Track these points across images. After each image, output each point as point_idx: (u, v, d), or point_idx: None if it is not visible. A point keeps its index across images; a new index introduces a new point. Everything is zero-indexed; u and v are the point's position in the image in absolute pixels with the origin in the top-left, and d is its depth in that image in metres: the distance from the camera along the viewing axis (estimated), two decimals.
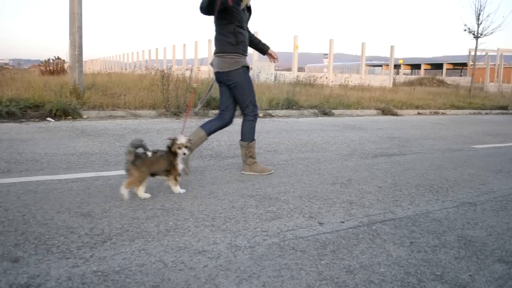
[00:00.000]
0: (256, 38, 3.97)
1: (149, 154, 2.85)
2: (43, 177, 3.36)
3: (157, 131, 5.98)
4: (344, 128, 7.29)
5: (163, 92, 7.95)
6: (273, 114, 8.77)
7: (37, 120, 6.52)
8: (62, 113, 6.75)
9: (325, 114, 9.50)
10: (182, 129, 3.45)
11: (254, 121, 3.80)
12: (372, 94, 12.73)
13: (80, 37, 7.93)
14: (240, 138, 3.84)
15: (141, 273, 1.86)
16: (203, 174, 3.67)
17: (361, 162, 4.52)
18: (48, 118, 6.59)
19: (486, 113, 12.74)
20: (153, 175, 2.95)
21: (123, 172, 3.60)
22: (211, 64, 3.71)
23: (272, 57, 4.02)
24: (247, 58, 3.71)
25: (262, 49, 3.97)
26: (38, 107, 6.84)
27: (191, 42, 26.95)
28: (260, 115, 8.50)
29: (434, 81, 27.34)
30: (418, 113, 11.30)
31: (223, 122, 3.78)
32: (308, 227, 2.51)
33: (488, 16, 23.17)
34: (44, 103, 6.88)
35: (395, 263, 2.07)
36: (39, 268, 1.86)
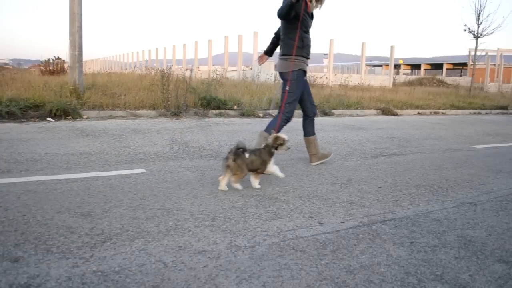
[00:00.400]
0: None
1: (247, 155, 3.18)
2: (43, 177, 3.36)
3: (157, 131, 5.98)
4: (344, 128, 7.29)
5: (163, 92, 7.95)
6: (273, 114, 8.77)
7: (37, 120, 6.52)
8: (62, 113, 6.74)
9: (325, 114, 9.50)
10: (277, 127, 3.85)
11: (286, 120, 4.09)
12: (372, 94, 12.73)
13: (80, 37, 7.93)
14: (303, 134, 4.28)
15: (141, 273, 1.86)
16: (203, 174, 3.67)
17: (361, 162, 4.51)
18: (48, 118, 6.59)
19: (486, 113, 12.74)
20: (251, 171, 3.30)
21: (123, 172, 3.62)
22: (275, 65, 4.06)
23: None
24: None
25: None
26: (38, 107, 6.84)
27: (191, 42, 27.00)
28: (260, 115, 8.50)
29: (434, 81, 27.34)
30: (418, 113, 11.30)
31: (310, 117, 4.27)
32: (308, 227, 2.51)
33: (488, 16, 23.15)
34: (44, 103, 6.87)
35: (395, 263, 2.07)
36: (39, 268, 1.86)
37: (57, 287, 1.72)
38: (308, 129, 4.27)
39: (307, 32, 3.91)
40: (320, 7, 3.90)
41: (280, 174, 3.41)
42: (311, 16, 3.95)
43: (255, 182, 3.34)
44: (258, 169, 3.30)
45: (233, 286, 1.79)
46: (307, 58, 3.97)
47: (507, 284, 1.93)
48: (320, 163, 4.27)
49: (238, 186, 3.23)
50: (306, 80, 4.13)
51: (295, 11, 3.65)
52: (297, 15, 3.72)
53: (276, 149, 3.34)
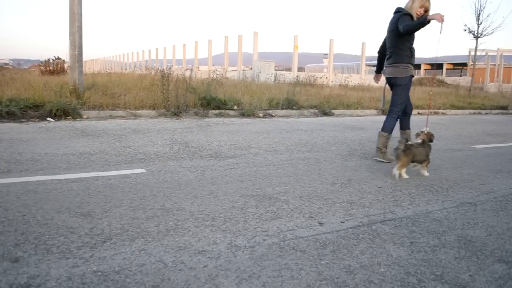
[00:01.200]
0: None
1: (414, 144, 3.87)
2: (43, 177, 3.36)
3: (157, 131, 5.98)
4: (344, 128, 7.29)
5: (163, 92, 7.95)
6: (273, 114, 8.77)
7: (37, 120, 6.52)
8: (62, 113, 6.74)
9: (325, 114, 9.50)
10: (426, 123, 4.35)
11: (397, 119, 4.70)
12: (372, 94, 12.72)
13: (80, 37, 7.93)
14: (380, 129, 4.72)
15: (141, 273, 1.86)
16: (203, 174, 3.67)
17: (361, 162, 4.52)
18: (48, 118, 6.59)
19: (486, 113, 12.74)
20: (411, 162, 3.85)
21: (123, 172, 3.62)
22: (383, 72, 4.79)
23: None
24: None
25: None
26: (38, 107, 6.84)
27: (191, 42, 27.00)
28: (260, 115, 8.50)
29: (434, 81, 27.34)
30: (418, 113, 11.30)
31: (408, 114, 4.83)
32: (308, 227, 2.51)
33: (488, 16, 23.13)
34: (44, 103, 6.88)
35: (395, 263, 2.07)
36: (39, 268, 1.87)
37: (57, 287, 1.72)
38: (405, 124, 4.84)
39: (412, 44, 4.55)
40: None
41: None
42: None
43: (424, 171, 3.97)
44: (424, 161, 3.91)
45: (233, 286, 1.79)
46: (413, 65, 4.62)
47: (507, 284, 1.93)
48: (380, 161, 4.64)
49: (404, 174, 3.82)
50: None
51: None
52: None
53: (428, 145, 3.95)
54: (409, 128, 4.82)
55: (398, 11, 4.45)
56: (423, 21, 4.11)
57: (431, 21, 4.10)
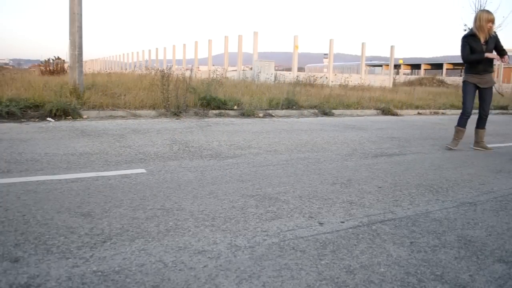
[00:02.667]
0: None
1: None
2: (43, 177, 3.36)
3: (157, 131, 5.98)
4: (344, 128, 7.29)
5: (163, 92, 7.95)
6: (273, 114, 8.77)
7: (37, 120, 6.52)
8: (62, 113, 6.74)
9: (325, 114, 9.50)
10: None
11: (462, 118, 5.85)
12: (372, 94, 12.72)
13: (80, 37, 7.93)
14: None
15: (141, 273, 1.86)
16: (203, 174, 3.67)
17: (361, 162, 4.52)
18: (48, 118, 6.59)
19: None
20: None
21: (123, 172, 3.62)
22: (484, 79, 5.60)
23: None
24: None
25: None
26: (38, 107, 6.84)
27: (191, 42, 26.99)
28: (260, 115, 8.50)
29: (434, 81, 27.33)
30: (418, 113, 11.30)
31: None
32: (308, 227, 2.51)
33: None
34: (44, 103, 6.88)
35: (395, 263, 2.07)
36: (39, 268, 1.87)
37: (57, 287, 1.72)
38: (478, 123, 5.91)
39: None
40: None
41: None
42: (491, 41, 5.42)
43: None
44: None
45: (233, 286, 1.79)
46: (474, 74, 5.57)
47: (507, 284, 1.93)
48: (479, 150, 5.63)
49: None
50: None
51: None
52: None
53: None
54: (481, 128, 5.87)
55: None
56: (482, 57, 5.30)
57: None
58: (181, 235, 2.30)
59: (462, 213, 2.92)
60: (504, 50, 5.42)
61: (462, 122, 5.79)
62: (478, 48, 5.30)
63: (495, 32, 5.40)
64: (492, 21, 5.23)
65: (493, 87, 5.70)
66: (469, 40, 5.37)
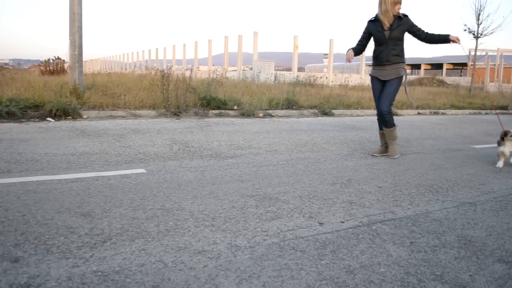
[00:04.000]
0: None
1: None
2: (43, 177, 3.36)
3: (157, 131, 5.98)
4: (344, 128, 7.29)
5: (163, 92, 7.95)
6: (273, 114, 8.77)
7: (37, 120, 6.52)
8: (62, 113, 6.74)
9: (325, 114, 9.50)
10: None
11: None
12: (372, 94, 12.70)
13: (80, 37, 7.93)
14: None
15: (141, 273, 1.86)
16: (203, 174, 3.67)
17: (361, 162, 4.52)
18: (48, 118, 6.59)
19: (486, 113, 12.74)
20: None
21: (123, 172, 3.62)
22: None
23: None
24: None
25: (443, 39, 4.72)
26: (38, 107, 6.84)
27: (191, 42, 26.99)
28: (260, 115, 8.50)
29: (434, 81, 27.33)
30: (418, 113, 11.30)
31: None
32: (308, 227, 2.51)
33: (488, 16, 23.14)
34: (44, 103, 6.87)
35: (395, 263, 2.07)
36: (39, 268, 1.87)
37: (57, 287, 1.72)
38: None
39: (379, 45, 4.73)
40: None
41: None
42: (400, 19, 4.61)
43: None
44: None
45: (233, 286, 1.79)
46: (377, 65, 4.84)
47: (507, 284, 1.93)
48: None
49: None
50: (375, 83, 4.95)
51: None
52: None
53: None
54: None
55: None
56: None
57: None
58: (181, 235, 2.30)
59: (462, 213, 2.92)
60: (422, 31, 4.61)
61: (379, 124, 5.03)
62: (378, 36, 4.62)
63: (403, 14, 4.57)
64: (399, 2, 4.51)
65: (405, 84, 4.91)
66: (370, 26, 4.69)
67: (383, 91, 4.76)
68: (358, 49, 4.84)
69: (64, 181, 3.26)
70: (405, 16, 4.57)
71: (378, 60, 4.75)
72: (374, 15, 4.69)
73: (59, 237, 2.20)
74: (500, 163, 4.54)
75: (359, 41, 4.83)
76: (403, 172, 4.11)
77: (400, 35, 4.60)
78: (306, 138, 5.99)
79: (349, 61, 4.89)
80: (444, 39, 4.49)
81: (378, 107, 4.85)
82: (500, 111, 13.33)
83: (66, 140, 5.00)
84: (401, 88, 4.86)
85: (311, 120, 8.44)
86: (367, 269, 1.99)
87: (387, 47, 4.62)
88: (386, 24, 4.55)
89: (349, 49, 4.79)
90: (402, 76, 4.76)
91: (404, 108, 11.42)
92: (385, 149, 4.91)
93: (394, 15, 4.51)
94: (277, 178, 3.64)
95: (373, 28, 4.65)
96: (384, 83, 4.77)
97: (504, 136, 4.54)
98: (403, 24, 4.56)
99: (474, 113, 12.43)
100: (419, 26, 4.62)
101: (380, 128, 4.95)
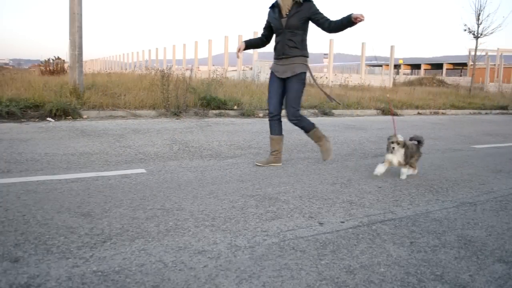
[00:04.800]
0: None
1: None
2: (43, 177, 3.36)
3: (157, 131, 5.98)
4: (344, 128, 7.29)
5: (163, 92, 7.94)
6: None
7: (37, 120, 6.52)
8: (62, 113, 6.74)
9: (325, 114, 9.50)
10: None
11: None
12: (372, 94, 12.72)
13: (80, 37, 7.93)
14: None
15: (141, 273, 1.86)
16: (203, 174, 3.67)
17: (361, 162, 4.51)
18: (48, 118, 6.59)
19: (486, 113, 12.74)
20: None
21: (123, 172, 3.62)
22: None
23: None
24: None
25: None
26: (38, 107, 6.84)
27: (191, 42, 26.99)
28: (260, 115, 8.50)
29: (434, 81, 27.33)
30: (418, 113, 11.31)
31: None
32: (308, 227, 2.51)
33: (488, 16, 23.12)
34: (44, 103, 6.87)
35: (395, 263, 2.07)
36: (39, 268, 1.87)
37: (57, 287, 1.72)
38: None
39: (277, 35, 4.01)
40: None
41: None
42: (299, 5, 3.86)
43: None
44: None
45: (233, 286, 1.79)
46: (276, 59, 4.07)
47: (507, 284, 1.93)
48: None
49: None
50: (273, 80, 4.10)
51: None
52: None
53: None
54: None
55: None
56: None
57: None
58: (181, 235, 2.30)
59: (462, 213, 2.92)
60: (326, 19, 3.81)
61: (270, 128, 4.18)
62: (275, 24, 3.93)
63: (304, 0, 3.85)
64: None
65: (316, 82, 4.39)
66: (269, 13, 4.03)
67: (287, 95, 4.01)
68: (257, 42, 4.21)
69: (64, 181, 3.26)
70: (308, 1, 3.84)
71: (275, 52, 4.03)
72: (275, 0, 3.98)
73: (59, 237, 2.20)
74: (379, 169, 3.76)
75: (262, 32, 4.18)
76: None
77: (299, 23, 3.82)
78: (306, 138, 5.97)
79: (237, 56, 4.35)
80: (348, 21, 3.66)
81: (271, 106, 4.08)
82: (500, 111, 13.34)
83: (66, 140, 5.00)
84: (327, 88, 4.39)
85: (311, 120, 8.43)
86: (367, 269, 1.99)
87: (283, 38, 3.90)
88: (284, 11, 3.85)
89: (243, 42, 4.17)
90: (303, 75, 3.97)
91: (405, 108, 11.43)
92: (274, 158, 4.14)
93: (292, 0, 3.82)
94: (277, 178, 3.64)
95: (272, 16, 3.97)
96: (285, 82, 4.01)
97: (392, 143, 3.72)
98: (303, 10, 3.80)
99: (474, 113, 12.43)
100: (324, 14, 3.86)
101: (271, 132, 4.15)
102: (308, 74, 4.05)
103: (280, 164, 4.19)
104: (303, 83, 3.98)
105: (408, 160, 3.80)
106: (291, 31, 3.86)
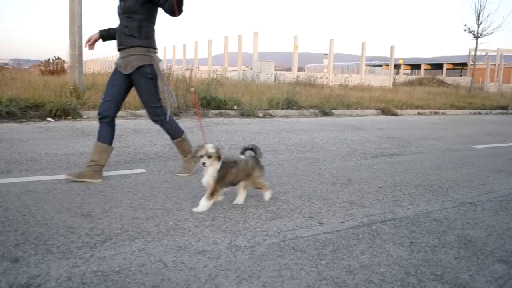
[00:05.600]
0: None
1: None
2: (43, 177, 3.36)
3: (157, 131, 5.97)
4: (344, 128, 7.29)
5: (163, 92, 7.94)
6: (273, 114, 8.77)
7: (37, 120, 6.52)
8: (62, 113, 6.75)
9: (325, 114, 9.50)
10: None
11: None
12: (372, 94, 12.72)
13: (80, 37, 7.93)
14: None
15: (141, 273, 1.86)
16: (203, 174, 3.66)
17: (361, 162, 4.51)
18: (48, 118, 6.59)
19: (486, 113, 12.74)
20: None
21: (123, 172, 3.62)
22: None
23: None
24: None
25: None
26: (38, 107, 6.84)
27: (191, 42, 26.98)
28: (260, 115, 8.50)
29: (434, 81, 27.34)
30: (418, 113, 11.31)
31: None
32: (308, 227, 2.51)
33: (488, 16, 23.19)
34: (44, 103, 6.88)
35: (395, 263, 2.07)
36: (39, 268, 1.86)
37: (57, 287, 1.72)
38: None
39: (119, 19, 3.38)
40: None
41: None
42: None
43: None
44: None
45: (233, 286, 1.79)
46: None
47: (507, 284, 1.93)
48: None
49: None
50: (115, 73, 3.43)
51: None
52: None
53: None
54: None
55: None
56: None
57: None
58: (181, 235, 2.30)
59: (462, 213, 2.92)
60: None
61: (98, 130, 3.41)
62: (117, 9, 3.39)
63: None
64: None
65: (163, 79, 3.48)
66: None
67: (138, 95, 3.46)
68: (115, 32, 3.43)
69: (64, 181, 3.26)
70: None
71: (118, 38, 3.38)
72: None
73: (59, 237, 2.20)
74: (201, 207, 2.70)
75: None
76: (403, 172, 4.11)
77: (135, 6, 3.23)
78: (306, 138, 5.99)
79: (89, 48, 3.52)
80: None
81: (100, 105, 3.38)
82: (500, 111, 13.34)
83: (66, 140, 5.00)
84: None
85: (311, 120, 8.44)
86: (367, 269, 1.99)
87: (120, 25, 3.33)
88: None
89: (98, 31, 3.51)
90: (148, 69, 3.32)
91: (405, 108, 11.43)
92: (89, 171, 3.28)
93: None
94: (277, 178, 3.64)
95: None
96: (130, 79, 3.37)
97: (201, 156, 2.67)
98: None
99: (474, 113, 12.43)
100: None
101: (97, 138, 3.40)
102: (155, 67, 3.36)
103: (100, 180, 3.29)
104: (150, 77, 3.34)
105: (223, 181, 2.73)
106: (128, 16, 3.26)
